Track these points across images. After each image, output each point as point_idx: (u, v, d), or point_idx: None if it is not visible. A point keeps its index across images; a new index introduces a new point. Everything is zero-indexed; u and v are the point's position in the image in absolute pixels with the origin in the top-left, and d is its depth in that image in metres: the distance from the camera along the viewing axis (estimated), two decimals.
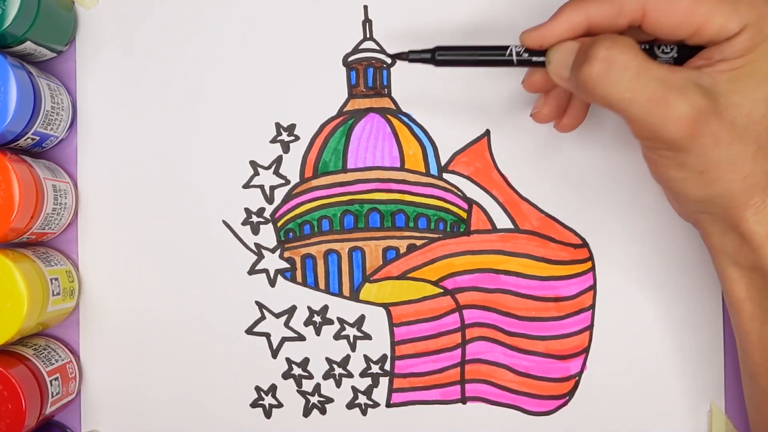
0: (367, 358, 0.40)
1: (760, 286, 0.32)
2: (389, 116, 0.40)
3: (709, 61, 0.30)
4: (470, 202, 0.40)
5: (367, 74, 0.40)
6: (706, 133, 0.29)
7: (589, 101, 0.35)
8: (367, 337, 0.40)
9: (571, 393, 0.40)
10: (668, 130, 0.29)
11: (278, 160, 0.40)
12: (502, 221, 0.40)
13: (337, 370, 0.40)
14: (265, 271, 0.40)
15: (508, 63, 0.33)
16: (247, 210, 0.40)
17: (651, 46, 0.32)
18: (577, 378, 0.40)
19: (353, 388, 0.40)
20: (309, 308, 0.40)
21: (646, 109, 0.29)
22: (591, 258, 0.40)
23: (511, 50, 0.33)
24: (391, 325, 0.40)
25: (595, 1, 0.31)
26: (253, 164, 0.40)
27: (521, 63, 0.33)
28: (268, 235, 0.40)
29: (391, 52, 0.40)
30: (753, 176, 0.30)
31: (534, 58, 0.33)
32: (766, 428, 0.35)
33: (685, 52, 0.32)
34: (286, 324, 0.40)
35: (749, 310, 0.33)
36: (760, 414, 0.35)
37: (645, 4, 0.30)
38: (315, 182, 0.40)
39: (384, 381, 0.40)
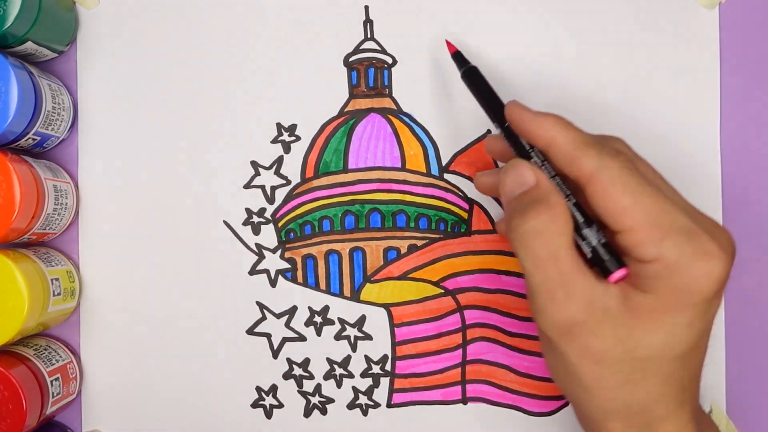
0: (367, 359, 0.40)
1: None
2: (390, 116, 0.40)
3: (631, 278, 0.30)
4: (471, 203, 0.40)
5: (368, 74, 0.40)
6: (574, 342, 0.29)
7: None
8: (367, 337, 0.40)
9: None
10: (543, 319, 0.30)
11: (279, 161, 0.40)
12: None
13: (338, 371, 0.40)
14: (266, 271, 0.40)
15: (499, 124, 0.34)
16: (248, 210, 0.40)
17: (577, 227, 0.31)
18: None
19: (354, 388, 0.40)
20: (310, 308, 0.40)
21: (537, 289, 0.30)
22: None
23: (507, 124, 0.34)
24: (392, 325, 0.40)
25: (567, 134, 0.30)
26: (254, 164, 0.40)
27: (506, 134, 0.34)
28: (268, 236, 0.40)
29: (392, 52, 0.40)
30: (614, 401, 0.30)
31: (517, 140, 0.33)
32: None
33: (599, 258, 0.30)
34: (287, 324, 0.40)
35: None
36: None
37: (595, 174, 0.29)
38: (316, 182, 0.40)
39: (385, 381, 0.40)
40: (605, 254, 0.30)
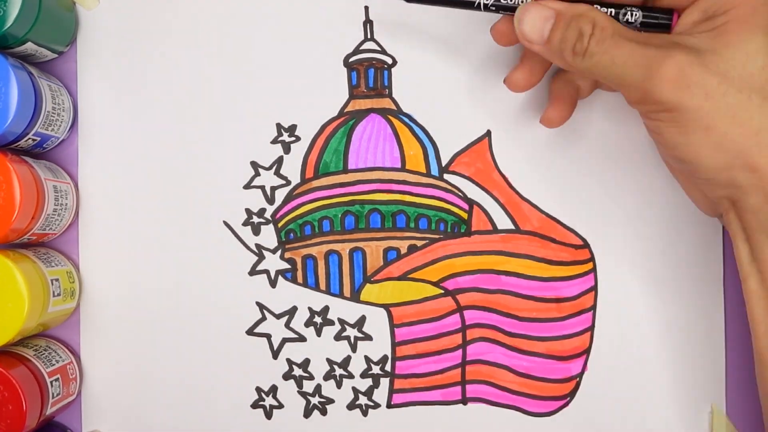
0: (367, 359, 0.40)
1: None
2: (390, 117, 0.40)
3: (691, 24, 0.30)
4: (471, 203, 0.40)
5: (368, 75, 0.40)
6: (693, 85, 0.29)
7: (574, 71, 0.34)
8: (367, 337, 0.40)
9: (572, 394, 0.40)
10: (656, 90, 0.29)
11: (279, 161, 0.40)
12: (503, 222, 0.40)
13: (338, 371, 0.40)
14: (266, 271, 0.40)
15: (478, 6, 0.33)
16: (247, 210, 0.40)
17: (616, 13, 0.32)
18: (577, 379, 0.40)
19: (354, 388, 0.40)
20: (310, 309, 0.40)
21: (632, 72, 0.30)
22: (592, 259, 0.40)
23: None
24: (392, 325, 0.40)
25: None
26: (254, 165, 0.40)
27: (489, 10, 0.33)
28: (268, 236, 0.40)
29: (392, 53, 0.40)
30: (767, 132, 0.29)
31: (504, 3, 0.33)
32: None
33: (650, 22, 0.32)
34: (287, 325, 0.40)
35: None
36: None
37: None
38: (316, 183, 0.40)
39: (385, 382, 0.40)
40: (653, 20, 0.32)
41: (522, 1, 0.33)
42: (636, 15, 0.32)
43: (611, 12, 0.32)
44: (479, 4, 0.33)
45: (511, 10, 0.33)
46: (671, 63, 0.29)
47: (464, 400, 0.40)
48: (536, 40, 0.32)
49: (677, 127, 0.30)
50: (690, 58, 0.29)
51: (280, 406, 0.40)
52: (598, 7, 0.32)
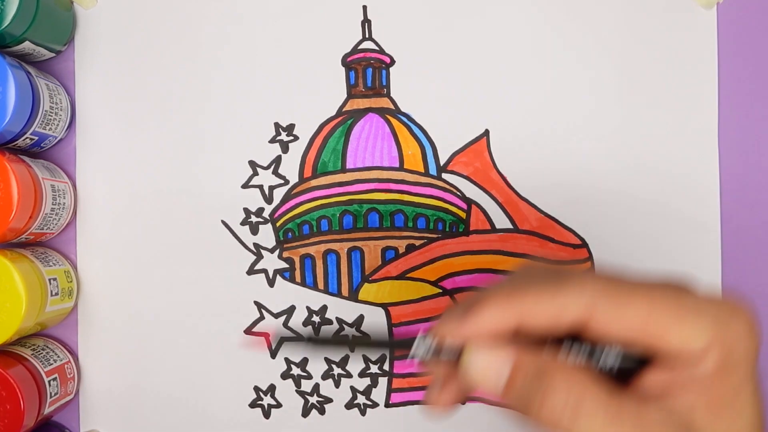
0: (366, 358, 0.40)
1: None
2: (388, 116, 0.40)
3: (675, 384, 0.25)
4: (469, 202, 0.40)
5: (366, 74, 0.40)
6: None
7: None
8: (366, 336, 0.40)
9: None
10: None
11: (277, 160, 0.40)
12: (501, 221, 0.40)
13: (336, 370, 0.40)
14: (264, 271, 0.40)
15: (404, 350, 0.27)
16: (246, 210, 0.40)
17: (591, 349, 0.25)
18: None
19: (352, 388, 0.40)
20: (308, 308, 0.40)
21: None
22: (590, 258, 0.40)
23: (414, 350, 0.26)
24: (390, 325, 0.40)
25: (531, 298, 0.25)
26: (252, 164, 0.40)
27: (426, 358, 0.26)
28: (267, 235, 0.40)
29: (390, 52, 0.40)
30: None
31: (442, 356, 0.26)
32: None
33: (629, 362, 0.26)
34: (285, 324, 0.40)
35: None
36: None
37: (592, 308, 0.24)
38: (314, 182, 0.40)
39: (383, 381, 0.40)
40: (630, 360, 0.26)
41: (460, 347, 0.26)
42: (612, 357, 0.25)
43: (582, 353, 0.25)
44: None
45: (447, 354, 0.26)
46: None
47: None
48: (496, 388, 0.26)
49: None
50: None
51: (279, 405, 0.40)
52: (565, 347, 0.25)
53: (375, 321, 0.40)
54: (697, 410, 0.25)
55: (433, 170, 0.40)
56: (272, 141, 0.40)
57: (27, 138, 0.37)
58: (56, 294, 0.37)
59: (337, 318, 0.40)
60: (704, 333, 0.24)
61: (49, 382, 0.37)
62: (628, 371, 0.26)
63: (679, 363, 0.25)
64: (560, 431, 0.25)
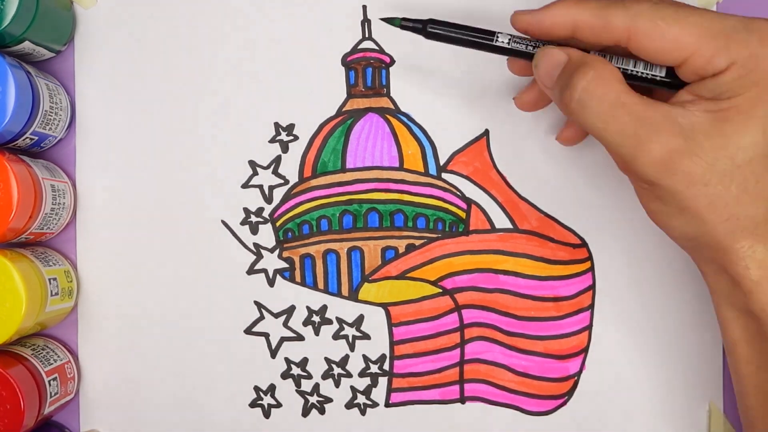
0: (366, 358, 0.40)
1: (754, 330, 0.31)
2: (388, 116, 0.40)
3: (696, 98, 0.30)
4: (469, 202, 0.40)
5: (366, 74, 0.40)
6: (678, 172, 0.29)
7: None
8: (366, 336, 0.40)
9: (570, 393, 0.40)
10: (640, 166, 0.30)
11: (277, 160, 0.40)
12: (501, 221, 0.40)
13: (336, 370, 0.40)
14: (264, 270, 0.40)
15: (496, 49, 0.34)
16: (245, 210, 0.40)
17: (637, 62, 0.32)
18: (576, 378, 0.40)
19: (352, 387, 0.40)
20: (308, 308, 0.40)
21: (619, 143, 0.30)
22: (590, 258, 0.40)
23: (497, 36, 0.34)
24: (390, 324, 0.40)
25: (586, 8, 0.30)
26: (252, 164, 0.40)
27: (507, 52, 0.34)
28: (266, 235, 0.40)
29: (390, 52, 0.40)
30: (737, 219, 0.29)
31: (519, 47, 0.33)
32: None
33: (673, 79, 0.31)
34: (285, 324, 0.40)
35: (744, 353, 0.32)
36: None
37: (631, 25, 0.29)
38: (314, 182, 0.40)
39: (383, 381, 0.40)
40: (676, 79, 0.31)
41: (539, 45, 0.33)
42: (645, 71, 0.32)
43: (623, 64, 0.32)
44: (499, 47, 0.34)
45: (528, 56, 0.33)
46: (660, 145, 0.29)
47: (462, 399, 0.40)
48: (548, 85, 0.32)
49: (654, 197, 0.31)
50: (680, 145, 0.29)
51: (279, 405, 0.40)
52: (614, 58, 0.32)
53: (377, 319, 0.40)
54: (703, 118, 0.29)
55: (433, 170, 0.40)
56: (272, 141, 0.40)
57: (27, 138, 0.37)
58: (56, 294, 0.37)
59: (337, 318, 0.40)
60: (728, 54, 0.28)
61: (49, 381, 0.37)
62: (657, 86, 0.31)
63: (703, 81, 0.29)
64: (578, 108, 0.30)
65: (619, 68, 0.32)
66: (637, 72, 0.32)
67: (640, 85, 0.32)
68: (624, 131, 0.29)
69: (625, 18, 0.30)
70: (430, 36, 0.34)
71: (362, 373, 0.40)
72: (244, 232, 0.40)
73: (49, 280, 0.37)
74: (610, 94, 0.30)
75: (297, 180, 0.40)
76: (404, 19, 0.35)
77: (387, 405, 0.40)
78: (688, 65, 0.29)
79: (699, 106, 0.29)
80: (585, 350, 0.40)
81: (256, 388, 0.40)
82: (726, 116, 0.29)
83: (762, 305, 0.30)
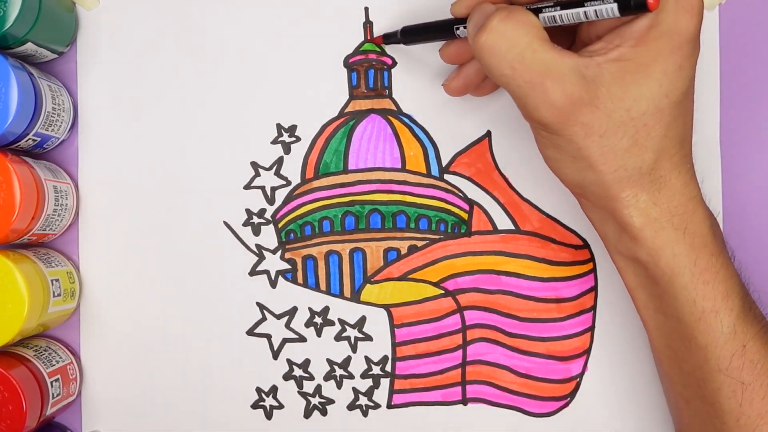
0: (368, 360, 0.40)
1: (644, 275, 0.32)
2: (390, 117, 0.40)
3: (606, 46, 0.30)
4: (471, 203, 0.40)
5: (368, 75, 0.40)
6: (577, 123, 0.29)
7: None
8: (368, 338, 0.40)
9: (572, 394, 0.40)
10: (540, 114, 0.30)
11: (279, 161, 0.40)
12: (503, 222, 0.40)
13: (338, 372, 0.40)
14: (266, 272, 0.40)
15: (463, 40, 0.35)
16: (248, 211, 0.40)
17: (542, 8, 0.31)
18: (578, 379, 0.40)
19: (354, 389, 0.40)
20: (310, 309, 0.40)
21: (523, 90, 0.30)
22: (592, 259, 0.40)
23: (458, 29, 0.34)
24: (392, 326, 0.40)
25: None
26: (254, 165, 0.40)
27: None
28: (269, 236, 0.40)
29: (392, 54, 0.40)
30: (624, 169, 0.30)
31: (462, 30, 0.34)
32: (674, 412, 0.36)
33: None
34: (287, 325, 0.40)
35: (641, 298, 0.33)
36: (668, 399, 0.36)
37: None
38: (316, 183, 0.40)
39: (385, 382, 0.40)
40: None
41: None
42: (560, 14, 0.30)
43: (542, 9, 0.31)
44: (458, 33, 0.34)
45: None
46: (562, 92, 0.29)
47: (464, 401, 0.40)
48: (471, 35, 0.32)
49: (550, 144, 0.31)
50: (582, 95, 0.29)
51: (281, 406, 0.40)
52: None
53: (379, 320, 0.40)
54: (607, 69, 0.29)
55: (435, 171, 0.40)
56: (274, 142, 0.40)
57: (29, 139, 0.37)
58: (58, 295, 0.37)
59: (339, 319, 0.40)
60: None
61: (51, 383, 0.37)
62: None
63: (616, 30, 0.30)
64: (488, 50, 0.30)
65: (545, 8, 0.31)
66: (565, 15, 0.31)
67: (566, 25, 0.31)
68: (529, 79, 0.29)
69: None
70: (408, 43, 0.38)
71: (364, 375, 0.40)
72: (246, 233, 0.40)
73: (52, 281, 0.37)
74: (524, 39, 0.29)
75: (299, 181, 0.40)
76: (384, 36, 0.39)
77: (389, 406, 0.40)
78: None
79: (606, 55, 0.30)
80: (587, 352, 0.40)
81: (258, 390, 0.40)
82: (627, 67, 0.29)
83: (647, 250, 0.31)
